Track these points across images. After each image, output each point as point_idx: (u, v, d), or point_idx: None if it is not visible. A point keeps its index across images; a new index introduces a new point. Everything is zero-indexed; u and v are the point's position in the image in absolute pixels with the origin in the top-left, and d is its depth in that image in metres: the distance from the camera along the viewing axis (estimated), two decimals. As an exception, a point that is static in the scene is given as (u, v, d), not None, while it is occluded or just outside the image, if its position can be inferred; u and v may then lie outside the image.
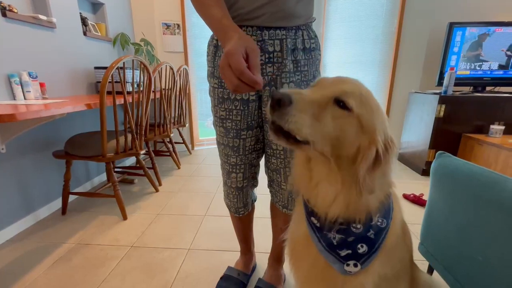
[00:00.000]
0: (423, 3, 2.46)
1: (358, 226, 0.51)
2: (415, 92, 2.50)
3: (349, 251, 0.52)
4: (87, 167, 2.07)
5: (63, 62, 1.84)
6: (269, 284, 1.04)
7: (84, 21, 2.05)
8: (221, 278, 1.09)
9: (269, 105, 0.43)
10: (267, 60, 0.75)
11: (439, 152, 0.80)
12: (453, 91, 2.17)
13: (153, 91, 1.84)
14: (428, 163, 2.25)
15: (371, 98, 0.47)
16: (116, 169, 2.19)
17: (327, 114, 0.44)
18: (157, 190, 2.03)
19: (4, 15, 1.40)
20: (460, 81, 2.24)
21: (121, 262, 1.25)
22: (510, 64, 2.23)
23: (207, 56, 0.85)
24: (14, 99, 1.47)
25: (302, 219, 0.60)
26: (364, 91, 0.46)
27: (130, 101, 1.60)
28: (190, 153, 3.03)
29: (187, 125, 2.82)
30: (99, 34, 2.23)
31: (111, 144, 1.55)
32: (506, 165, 1.76)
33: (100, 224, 1.57)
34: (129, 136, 1.65)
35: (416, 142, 2.43)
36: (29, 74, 1.52)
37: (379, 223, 0.52)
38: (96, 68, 2.09)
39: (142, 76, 1.66)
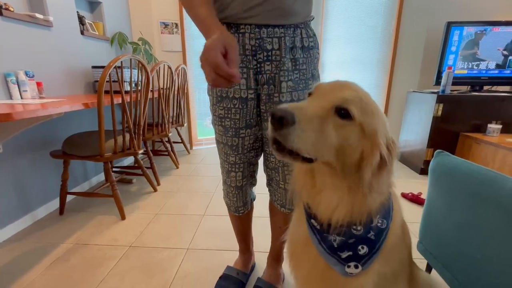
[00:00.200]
0: (421, 2, 2.46)
1: (359, 228, 0.51)
2: (413, 91, 2.51)
3: (350, 253, 0.52)
4: (85, 167, 2.06)
5: (60, 61, 1.83)
6: (268, 283, 1.04)
7: (81, 20, 2.03)
8: (220, 277, 1.09)
9: (269, 123, 0.41)
10: (265, 58, 0.75)
11: (438, 150, 0.80)
12: (451, 90, 2.18)
13: (151, 90, 1.83)
14: (426, 162, 2.26)
15: (371, 102, 0.47)
16: (114, 169, 2.18)
17: (329, 125, 0.43)
18: (155, 190, 2.02)
19: (0, 13, 1.39)
20: (457, 80, 2.25)
21: (119, 262, 1.24)
22: (507, 64, 2.24)
23: None
24: (11, 99, 1.46)
25: (302, 221, 0.60)
26: (363, 96, 0.46)
27: (128, 100, 1.59)
28: (189, 152, 3.02)
29: (185, 124, 2.82)
30: (97, 33, 2.22)
31: (109, 144, 1.54)
32: (504, 163, 1.77)
33: (98, 224, 1.57)
34: (127, 136, 1.65)
35: (414, 141, 2.44)
36: (26, 73, 1.51)
37: (379, 224, 0.52)
38: (93, 67, 2.08)
39: (140, 76, 1.66)
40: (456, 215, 0.70)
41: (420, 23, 2.49)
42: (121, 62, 1.47)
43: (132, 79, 1.59)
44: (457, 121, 2.17)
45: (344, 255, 0.52)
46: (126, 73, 1.94)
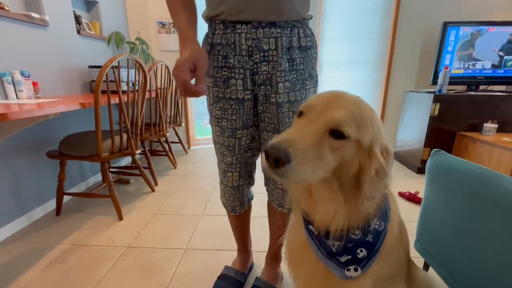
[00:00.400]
0: (418, 2, 2.48)
1: (357, 232, 0.51)
2: (410, 91, 2.52)
3: (349, 257, 0.52)
4: (82, 167, 2.05)
5: (56, 61, 1.82)
6: (267, 283, 1.04)
7: (77, 19, 2.02)
8: (218, 277, 1.09)
9: (264, 160, 0.40)
10: (262, 58, 0.74)
11: (435, 150, 0.81)
12: (448, 90, 2.19)
13: (148, 90, 1.82)
14: (423, 162, 2.27)
15: (364, 112, 0.45)
16: (111, 169, 2.17)
17: (325, 148, 0.42)
18: (153, 190, 2.02)
19: (-5, 13, 1.38)
20: (454, 80, 2.27)
21: (117, 263, 1.23)
22: (502, 64, 2.26)
23: None
24: (6, 99, 1.45)
25: (299, 225, 0.60)
26: (356, 109, 0.44)
27: (125, 100, 1.58)
28: (187, 152, 3.01)
29: (183, 124, 2.81)
30: (93, 32, 2.21)
31: (106, 144, 1.53)
32: (500, 162, 1.79)
33: (95, 224, 1.56)
34: (125, 136, 1.64)
35: (411, 141, 2.45)
36: (22, 73, 1.49)
37: (377, 226, 0.52)
38: (90, 67, 2.06)
39: (137, 75, 1.65)
40: (452, 214, 0.71)
41: (417, 23, 2.51)
42: (118, 61, 1.46)
43: (130, 79, 1.58)
44: (454, 121, 2.19)
45: (343, 259, 0.52)
46: (124, 73, 1.93)
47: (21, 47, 1.55)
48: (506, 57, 2.24)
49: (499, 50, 2.23)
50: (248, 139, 0.86)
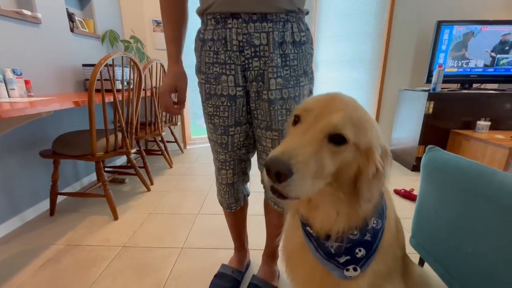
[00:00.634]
0: (412, 1, 2.49)
1: (355, 232, 0.51)
2: (405, 89, 2.54)
3: (348, 257, 0.52)
4: (76, 167, 2.02)
5: (49, 59, 1.79)
6: (263, 281, 1.04)
7: (71, 17, 1.99)
8: (215, 276, 1.08)
9: (265, 174, 0.39)
10: (253, 54, 0.73)
11: (429, 146, 0.81)
12: (442, 88, 2.21)
13: (143, 89, 1.81)
14: (418, 159, 2.29)
15: (361, 114, 0.45)
16: (106, 169, 2.14)
17: (325, 154, 0.41)
18: (148, 190, 2.00)
19: (-15, 9, 1.35)
20: (448, 78, 2.29)
21: (112, 263, 1.22)
22: (495, 63, 2.29)
23: (195, 51, 0.84)
24: (-2, 97, 1.42)
25: (297, 225, 0.60)
26: (353, 112, 0.44)
27: (120, 99, 1.57)
28: (182, 152, 2.99)
29: (179, 123, 2.79)
30: (87, 30, 2.18)
31: (101, 143, 1.52)
32: (493, 159, 1.81)
33: (90, 224, 1.54)
34: (119, 135, 1.62)
35: (406, 139, 2.47)
36: (13, 71, 1.47)
37: (374, 225, 0.52)
38: (84, 65, 2.04)
39: (132, 74, 1.63)
40: (447, 210, 0.71)
41: (411, 22, 2.53)
42: (113, 59, 1.44)
43: (124, 77, 1.56)
44: (448, 118, 2.21)
45: (342, 259, 0.52)
46: (118, 71, 1.90)
47: (13, 44, 1.52)
48: (498, 55, 2.27)
49: (491, 51, 2.26)
50: (242, 136, 0.85)
